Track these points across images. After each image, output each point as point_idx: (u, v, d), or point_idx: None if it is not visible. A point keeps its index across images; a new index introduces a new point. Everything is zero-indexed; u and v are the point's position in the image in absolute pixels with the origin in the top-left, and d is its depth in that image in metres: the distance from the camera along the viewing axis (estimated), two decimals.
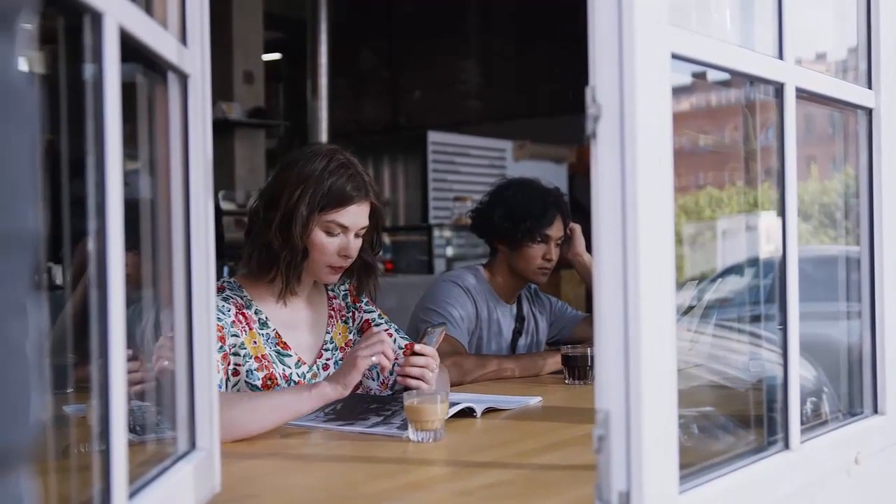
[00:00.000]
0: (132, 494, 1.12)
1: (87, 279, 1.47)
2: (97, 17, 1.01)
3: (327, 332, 2.39)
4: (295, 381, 2.26)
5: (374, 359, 2.02)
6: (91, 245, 1.03)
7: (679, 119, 1.28)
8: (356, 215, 2.25)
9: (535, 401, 2.39)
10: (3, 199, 0.54)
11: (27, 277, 0.57)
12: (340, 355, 2.39)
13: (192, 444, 1.40)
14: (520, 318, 3.19)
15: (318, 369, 2.33)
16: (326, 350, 2.37)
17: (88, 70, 1.04)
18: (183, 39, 1.37)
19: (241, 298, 2.25)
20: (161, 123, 1.38)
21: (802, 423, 1.58)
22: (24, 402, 0.56)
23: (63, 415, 1.45)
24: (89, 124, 1.04)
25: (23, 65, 0.58)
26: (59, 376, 1.35)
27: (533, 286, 3.25)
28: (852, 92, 1.81)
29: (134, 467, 1.12)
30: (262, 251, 2.24)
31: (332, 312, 2.43)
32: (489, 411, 2.22)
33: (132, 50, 1.14)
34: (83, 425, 1.44)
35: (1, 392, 0.54)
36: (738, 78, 1.62)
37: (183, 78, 1.37)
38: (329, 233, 2.23)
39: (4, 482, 0.55)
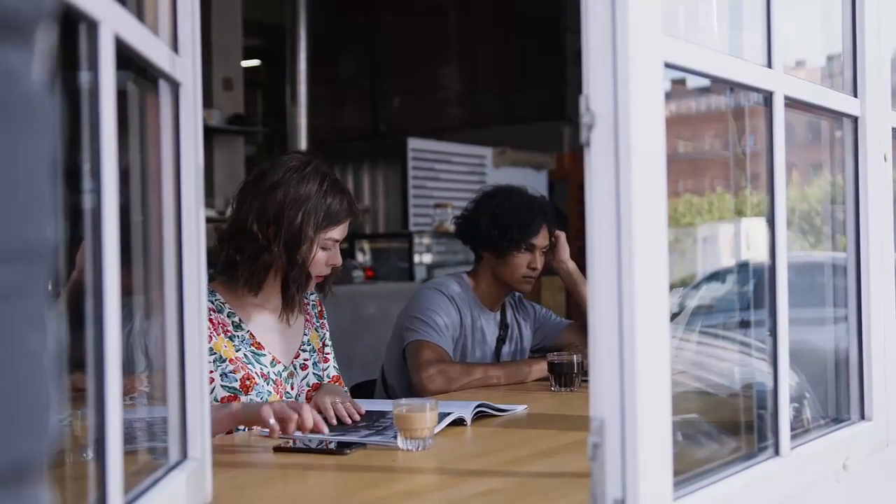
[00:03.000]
0: None
1: (71, 285, 1.46)
2: (93, 26, 1.01)
3: (304, 334, 2.47)
4: (273, 380, 2.32)
5: (272, 421, 1.93)
6: (87, 254, 1.03)
7: None
8: (346, 228, 2.37)
9: (521, 409, 2.39)
10: (22, 209, 0.54)
11: (45, 289, 0.57)
12: (317, 357, 2.48)
13: (184, 454, 1.39)
14: (504, 326, 3.19)
15: (295, 368, 2.41)
16: (304, 350, 2.45)
17: (83, 77, 1.03)
18: (175, 48, 1.37)
19: (212, 303, 2.28)
20: (152, 131, 1.37)
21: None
22: (43, 414, 0.56)
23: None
24: (84, 132, 1.03)
25: (41, 75, 0.57)
26: None
27: (517, 293, 3.25)
28: (838, 100, 1.82)
29: (125, 477, 1.11)
30: (263, 270, 2.29)
31: (308, 316, 2.51)
32: (479, 417, 2.22)
33: (124, 57, 1.13)
34: (69, 435, 1.43)
35: (21, 404, 0.54)
36: (719, 84, 1.63)
37: (175, 86, 1.36)
38: (324, 248, 2.33)
39: (24, 494, 0.55)
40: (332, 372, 2.52)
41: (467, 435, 2.11)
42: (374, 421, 2.16)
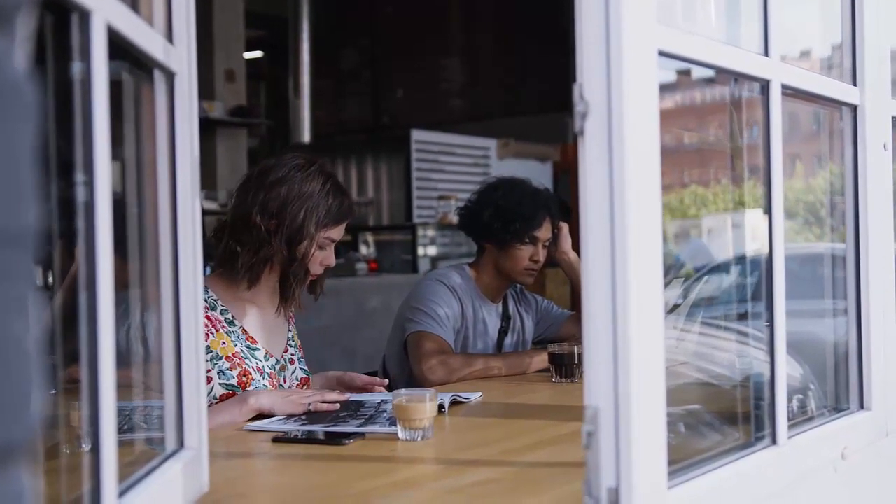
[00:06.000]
0: (121, 493, 1.11)
1: (69, 279, 1.46)
2: (85, 15, 1.01)
3: (289, 331, 2.51)
4: (268, 374, 2.35)
5: (310, 407, 2.16)
6: (79, 246, 1.03)
7: (663, 116, 1.28)
8: (343, 230, 2.41)
9: (475, 396, 2.41)
10: (4, 195, 0.54)
11: (29, 274, 0.57)
12: (300, 353, 2.53)
13: (181, 444, 1.39)
14: (506, 317, 3.19)
15: (285, 362, 2.45)
16: (291, 346, 2.50)
17: (76, 68, 1.03)
18: (169, 37, 1.37)
19: (206, 300, 2.29)
20: (147, 122, 1.37)
21: (789, 419, 1.59)
22: (25, 399, 0.56)
23: (49, 415, 1.44)
24: (77, 123, 1.03)
25: (22, 62, 0.57)
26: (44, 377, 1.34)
27: (519, 285, 3.25)
28: (837, 88, 1.82)
29: (121, 467, 1.11)
30: (263, 263, 2.32)
31: (291, 315, 2.54)
32: (454, 404, 2.26)
33: (118, 48, 1.13)
34: (68, 426, 1.43)
35: (3, 388, 0.54)
36: (724, 75, 1.63)
37: (170, 76, 1.36)
38: (321, 247, 2.36)
39: (6, 478, 0.55)
40: (300, 374, 2.52)
41: (465, 425, 2.12)
42: (356, 411, 2.17)
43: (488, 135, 8.68)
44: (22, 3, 0.57)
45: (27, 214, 0.57)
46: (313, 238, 2.32)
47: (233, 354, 2.29)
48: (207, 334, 2.25)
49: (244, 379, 2.28)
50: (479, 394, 2.44)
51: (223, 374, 2.26)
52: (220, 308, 2.34)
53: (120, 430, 1.13)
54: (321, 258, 2.37)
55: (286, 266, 2.33)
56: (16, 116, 0.56)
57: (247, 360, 2.31)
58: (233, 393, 2.25)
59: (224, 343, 2.29)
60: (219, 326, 2.30)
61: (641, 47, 1.21)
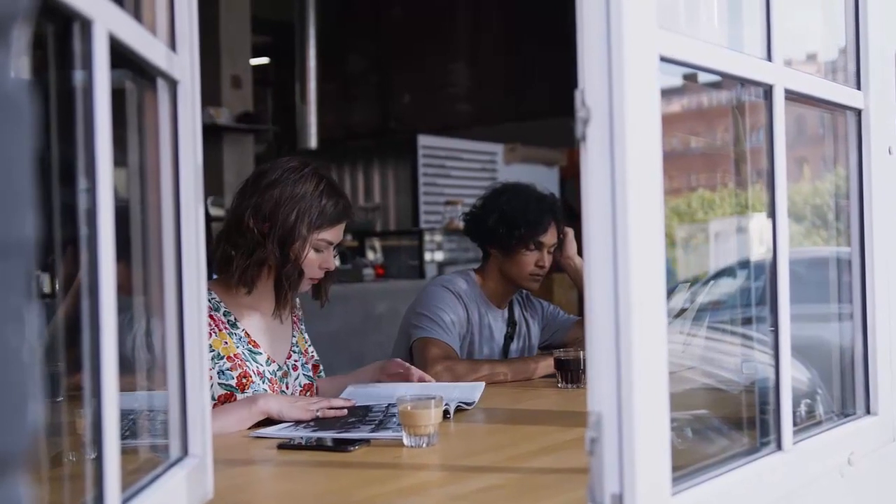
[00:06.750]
0: (125, 501, 1.12)
1: (76, 286, 1.47)
2: (87, 24, 1.01)
3: (293, 336, 2.50)
4: (268, 378, 2.35)
5: (318, 413, 2.16)
6: (82, 253, 1.03)
7: (670, 121, 1.29)
8: (341, 232, 2.40)
9: (479, 388, 2.43)
10: (1, 206, 0.55)
11: (25, 283, 0.57)
12: (304, 359, 2.51)
13: (185, 451, 1.39)
14: (511, 323, 3.19)
15: (288, 368, 2.44)
16: (294, 352, 2.49)
17: (77, 76, 1.04)
18: (172, 45, 1.37)
19: (209, 301, 2.29)
20: (150, 130, 1.37)
21: (796, 424, 1.58)
22: (21, 408, 0.56)
23: (54, 423, 1.44)
24: (79, 131, 1.03)
25: (19, 72, 0.58)
26: (49, 384, 1.34)
27: (525, 290, 3.25)
28: (841, 93, 1.81)
29: (125, 474, 1.11)
30: (257, 266, 2.32)
31: (295, 320, 2.54)
32: (458, 410, 2.26)
33: (121, 56, 1.13)
34: (73, 433, 1.43)
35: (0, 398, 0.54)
36: (728, 80, 1.63)
37: (172, 84, 1.37)
38: (317, 249, 2.36)
39: (3, 487, 0.55)
40: (303, 381, 2.52)
41: (471, 431, 2.12)
42: (364, 416, 2.17)
43: (495, 139, 8.68)
44: (18, 13, 0.57)
45: (24, 225, 0.57)
46: (306, 239, 2.31)
47: (234, 355, 2.29)
48: (210, 333, 2.25)
49: (243, 381, 2.28)
50: (482, 385, 2.46)
51: (223, 373, 2.26)
52: (223, 310, 2.34)
53: (123, 437, 1.13)
54: (319, 261, 2.36)
55: (280, 268, 2.33)
56: (12, 127, 0.56)
57: (247, 363, 2.31)
58: (231, 394, 2.25)
59: (226, 343, 2.30)
60: (221, 327, 2.30)
61: (643, 52, 1.21)
